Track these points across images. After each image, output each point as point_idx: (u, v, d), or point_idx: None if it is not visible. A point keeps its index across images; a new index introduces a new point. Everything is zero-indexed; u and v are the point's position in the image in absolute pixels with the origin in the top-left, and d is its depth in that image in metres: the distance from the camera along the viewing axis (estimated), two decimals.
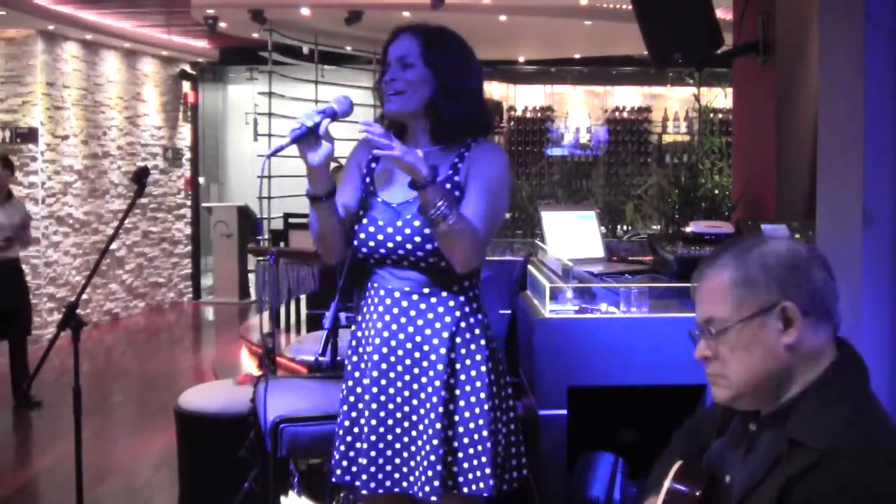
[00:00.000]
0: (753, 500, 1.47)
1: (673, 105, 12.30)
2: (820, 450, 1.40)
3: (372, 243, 2.26)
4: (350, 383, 2.35)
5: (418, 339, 2.24)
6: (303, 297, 6.75)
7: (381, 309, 2.28)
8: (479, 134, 2.30)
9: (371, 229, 2.26)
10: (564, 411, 2.78)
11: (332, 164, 2.35)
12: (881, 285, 2.17)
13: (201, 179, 12.25)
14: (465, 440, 2.20)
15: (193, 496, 3.98)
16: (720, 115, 8.61)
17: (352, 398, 2.34)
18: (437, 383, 2.21)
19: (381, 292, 2.29)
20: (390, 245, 2.24)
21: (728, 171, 6.13)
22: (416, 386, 2.24)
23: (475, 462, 2.20)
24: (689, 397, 2.75)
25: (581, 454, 2.83)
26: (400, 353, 2.25)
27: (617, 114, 12.45)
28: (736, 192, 4.83)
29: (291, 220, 9.05)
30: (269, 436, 2.98)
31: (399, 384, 2.26)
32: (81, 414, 3.09)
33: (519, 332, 3.35)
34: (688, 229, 3.65)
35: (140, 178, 3.38)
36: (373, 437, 2.27)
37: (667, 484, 1.64)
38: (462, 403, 2.21)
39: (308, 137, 2.18)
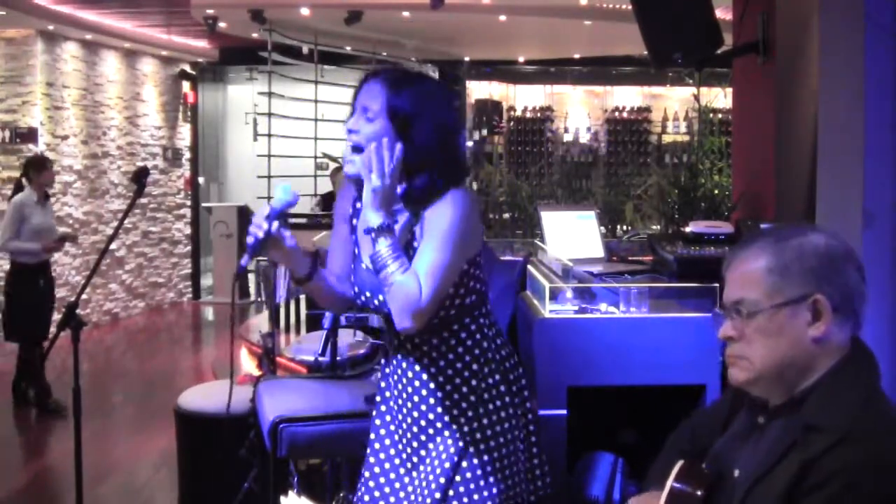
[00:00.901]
0: (764, 486, 1.49)
1: (673, 105, 12.30)
2: (840, 431, 1.42)
3: (363, 298, 2.22)
4: (374, 413, 2.33)
5: (416, 400, 2.20)
6: (303, 297, 6.75)
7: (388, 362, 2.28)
8: (445, 188, 2.08)
9: (355, 289, 2.23)
10: (564, 411, 2.78)
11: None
12: (881, 285, 2.17)
13: (201, 179, 12.25)
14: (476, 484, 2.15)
15: (193, 496, 3.98)
16: (720, 115, 8.61)
17: (372, 435, 2.31)
18: (447, 419, 2.17)
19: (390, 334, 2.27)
20: (377, 303, 2.18)
21: (728, 171, 6.13)
22: (423, 423, 2.19)
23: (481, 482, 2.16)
24: (689, 397, 2.75)
25: (581, 454, 2.83)
26: (408, 404, 2.22)
27: (617, 114, 12.45)
28: (736, 192, 4.83)
29: (291, 220, 9.05)
30: (268, 436, 2.98)
31: (408, 421, 2.22)
32: (81, 414, 3.09)
33: (519, 332, 3.34)
34: (687, 229, 3.65)
35: (140, 178, 3.38)
36: (380, 475, 2.25)
37: (669, 484, 1.64)
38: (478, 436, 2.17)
39: (266, 245, 2.14)
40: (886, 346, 2.17)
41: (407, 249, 2.08)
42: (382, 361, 2.32)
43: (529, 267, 3.53)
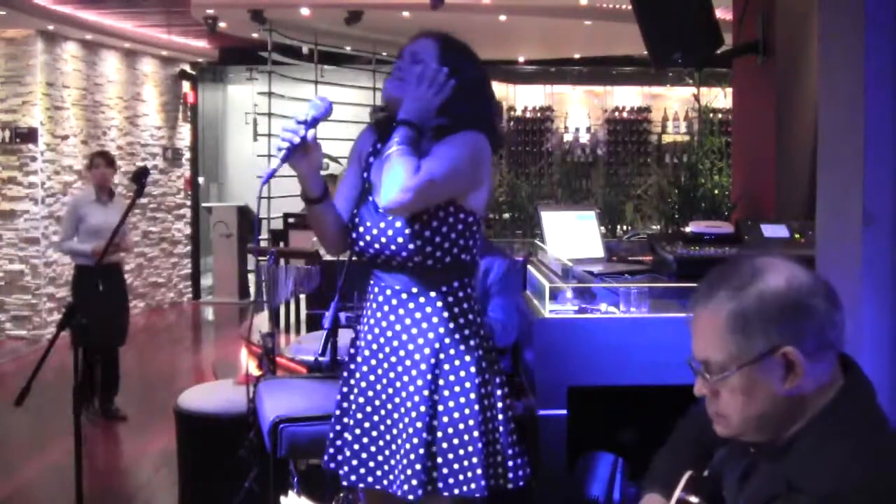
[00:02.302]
0: None
1: (673, 105, 12.30)
2: (820, 495, 1.33)
3: (362, 243, 2.28)
4: (345, 374, 2.38)
5: (404, 337, 2.25)
6: (302, 297, 6.75)
7: (374, 306, 2.32)
8: (465, 128, 2.26)
9: (360, 229, 2.28)
10: (564, 411, 2.78)
11: (323, 172, 2.35)
12: (881, 285, 2.17)
13: (201, 179, 12.25)
14: (455, 441, 2.20)
15: (193, 496, 3.98)
16: (720, 115, 8.61)
17: (345, 388, 2.37)
18: (420, 383, 2.22)
19: (376, 290, 2.32)
20: (377, 246, 2.25)
21: (728, 171, 6.13)
22: (398, 384, 2.26)
23: (465, 463, 2.20)
24: (689, 397, 2.75)
25: (581, 454, 2.83)
26: (387, 350, 2.28)
27: (617, 114, 12.45)
28: (736, 192, 4.83)
29: (291, 220, 9.06)
30: (268, 436, 2.98)
31: (384, 381, 2.28)
32: (81, 414, 3.09)
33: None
34: (687, 229, 3.65)
35: (140, 178, 3.38)
36: (357, 431, 2.30)
37: (677, 494, 1.63)
38: (450, 405, 2.21)
39: (297, 152, 2.18)
40: (886, 347, 2.17)
41: None
42: (368, 301, 2.35)
43: (530, 267, 3.53)
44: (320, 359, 3.43)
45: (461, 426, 2.20)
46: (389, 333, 2.27)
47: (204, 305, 11.43)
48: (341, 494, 3.13)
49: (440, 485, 2.20)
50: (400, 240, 2.21)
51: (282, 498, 2.77)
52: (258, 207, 2.52)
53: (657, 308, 2.90)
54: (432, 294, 2.25)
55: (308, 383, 3.47)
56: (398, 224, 2.21)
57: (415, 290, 2.25)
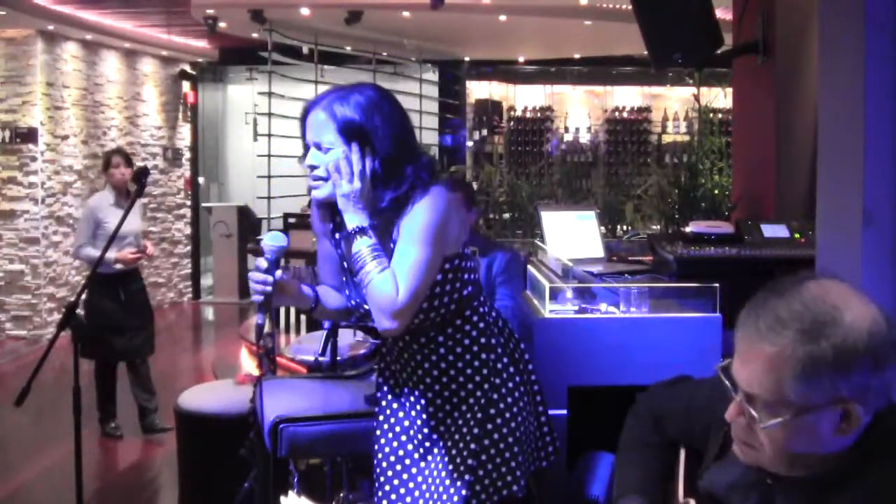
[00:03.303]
0: None
1: (673, 105, 12.30)
2: None
3: (359, 314, 2.25)
4: (377, 410, 2.35)
5: (429, 383, 2.23)
6: None
7: (384, 350, 2.31)
8: (420, 191, 2.07)
9: (352, 303, 2.25)
10: (564, 411, 2.78)
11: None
12: (881, 285, 2.17)
13: (201, 179, 12.25)
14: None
15: (193, 496, 3.98)
16: (720, 115, 8.60)
17: (378, 431, 2.33)
18: (425, 416, 2.21)
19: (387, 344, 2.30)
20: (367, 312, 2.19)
21: (728, 171, 6.13)
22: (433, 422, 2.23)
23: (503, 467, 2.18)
24: None
25: (581, 454, 2.83)
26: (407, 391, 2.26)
27: (617, 114, 12.45)
28: (736, 192, 4.83)
29: (291, 220, 9.06)
30: (268, 436, 2.98)
31: (419, 423, 2.25)
32: (81, 414, 3.09)
33: (519, 332, 3.34)
34: (688, 229, 3.65)
35: (140, 178, 3.38)
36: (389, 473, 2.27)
37: (679, 501, 1.61)
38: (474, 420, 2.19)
39: (274, 295, 2.14)
40: None
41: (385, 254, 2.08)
42: (384, 354, 2.32)
43: (529, 267, 3.53)
44: (320, 359, 3.44)
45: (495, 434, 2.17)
46: (404, 375, 2.25)
47: (204, 305, 11.43)
48: (341, 494, 3.13)
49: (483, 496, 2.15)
50: None
51: (282, 498, 2.77)
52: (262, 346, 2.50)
53: (657, 308, 2.90)
54: (440, 339, 2.19)
55: (308, 383, 3.47)
56: None
57: (423, 340, 2.19)
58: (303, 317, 5.90)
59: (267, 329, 2.20)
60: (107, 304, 5.49)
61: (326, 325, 3.46)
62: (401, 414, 2.27)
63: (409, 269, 2.00)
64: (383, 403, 2.30)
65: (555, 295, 2.94)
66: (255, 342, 2.26)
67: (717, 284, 2.85)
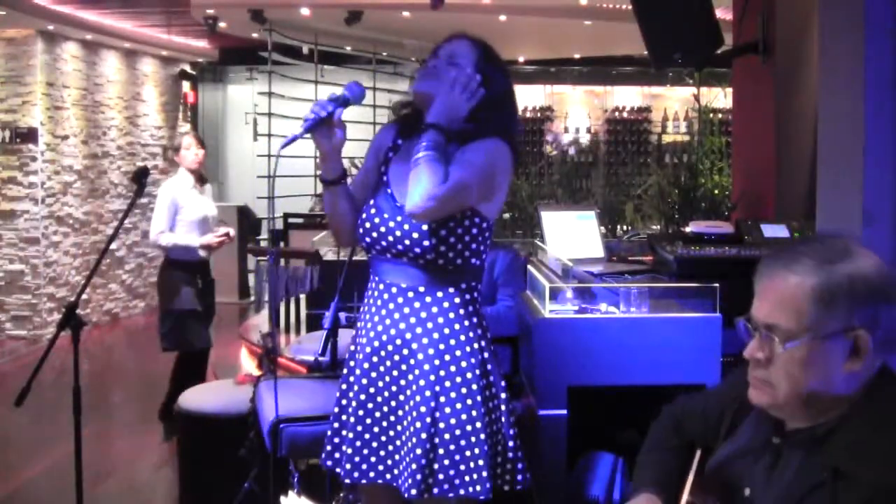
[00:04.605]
0: None
1: (673, 105, 12.30)
2: (878, 485, 1.33)
3: (375, 234, 2.28)
4: (345, 371, 2.38)
5: (408, 335, 2.25)
6: (303, 297, 6.75)
7: (378, 302, 2.31)
8: (488, 135, 2.27)
9: (376, 220, 2.28)
10: (564, 411, 2.78)
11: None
12: None
13: None
14: (461, 442, 2.19)
15: (193, 496, 3.98)
16: (720, 115, 8.60)
17: (344, 385, 2.37)
18: (422, 383, 2.22)
19: (381, 286, 2.31)
20: (391, 238, 2.25)
21: (728, 171, 6.13)
22: (402, 382, 2.26)
23: (471, 464, 2.19)
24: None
25: (581, 454, 2.83)
26: (390, 348, 2.27)
27: (617, 114, 12.45)
28: (736, 192, 4.83)
29: (291, 220, 9.05)
30: (268, 436, 2.98)
31: (387, 379, 2.28)
32: (81, 414, 3.09)
33: (519, 332, 3.34)
34: (687, 229, 3.65)
35: (140, 178, 3.38)
36: (358, 428, 2.30)
37: (684, 498, 1.62)
38: (456, 406, 2.20)
39: (321, 126, 2.23)
40: None
41: None
42: (369, 297, 2.35)
43: (530, 267, 3.53)
44: (320, 359, 3.43)
45: (468, 427, 2.19)
46: (393, 331, 2.27)
47: None
48: (341, 494, 3.13)
49: (445, 486, 2.19)
50: (416, 235, 2.21)
51: (282, 498, 2.77)
52: (271, 184, 2.56)
53: (657, 308, 2.90)
54: (440, 294, 2.25)
55: (308, 383, 3.47)
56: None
57: (422, 288, 2.25)
58: (303, 317, 5.91)
59: (267, 329, 2.21)
60: (189, 292, 5.40)
61: (327, 325, 3.45)
62: (369, 352, 2.30)
63: (460, 171, 2.16)
64: (366, 366, 2.32)
65: (555, 295, 2.94)
66: (277, 155, 2.35)
67: (717, 284, 2.85)
